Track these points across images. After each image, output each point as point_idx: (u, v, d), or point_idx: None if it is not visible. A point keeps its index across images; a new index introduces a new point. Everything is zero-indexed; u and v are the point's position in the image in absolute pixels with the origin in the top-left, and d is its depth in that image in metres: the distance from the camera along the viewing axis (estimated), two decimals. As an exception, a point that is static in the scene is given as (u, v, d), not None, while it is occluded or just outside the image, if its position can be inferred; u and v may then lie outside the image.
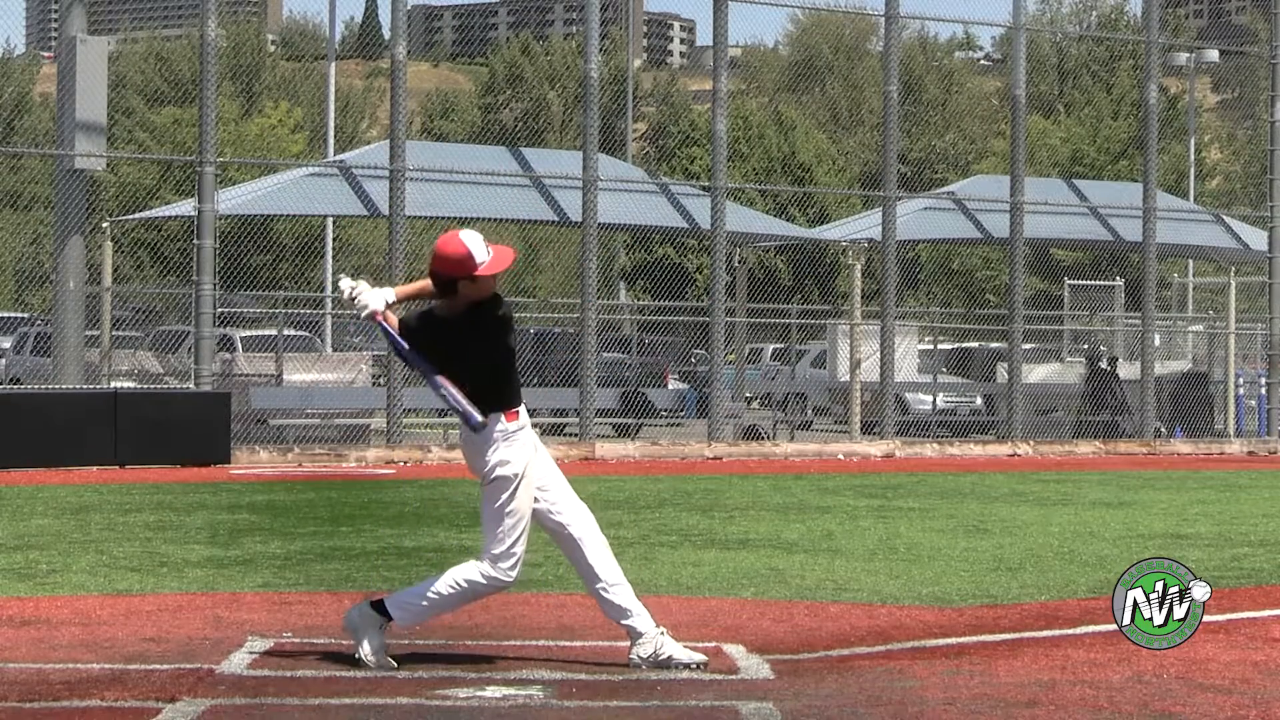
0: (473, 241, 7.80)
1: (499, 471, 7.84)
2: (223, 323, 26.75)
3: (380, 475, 22.00)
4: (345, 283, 7.95)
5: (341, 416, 27.28)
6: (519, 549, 7.89)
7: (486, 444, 7.84)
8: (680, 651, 7.89)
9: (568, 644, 8.42)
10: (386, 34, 41.40)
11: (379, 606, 7.91)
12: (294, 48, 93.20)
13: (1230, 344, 32.86)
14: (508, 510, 7.85)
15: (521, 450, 7.87)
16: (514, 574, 7.91)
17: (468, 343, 7.82)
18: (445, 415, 29.63)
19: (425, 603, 7.95)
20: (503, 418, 7.85)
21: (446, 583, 7.92)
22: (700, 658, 7.91)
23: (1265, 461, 28.76)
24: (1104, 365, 32.34)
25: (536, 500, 7.92)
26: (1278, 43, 32.26)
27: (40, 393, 23.83)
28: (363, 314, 7.87)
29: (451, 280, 7.78)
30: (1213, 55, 50.64)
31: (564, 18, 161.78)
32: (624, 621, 7.92)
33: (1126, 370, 32.43)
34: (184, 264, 33.31)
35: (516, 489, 7.84)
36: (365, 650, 7.83)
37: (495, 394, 7.85)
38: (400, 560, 12.19)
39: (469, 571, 7.92)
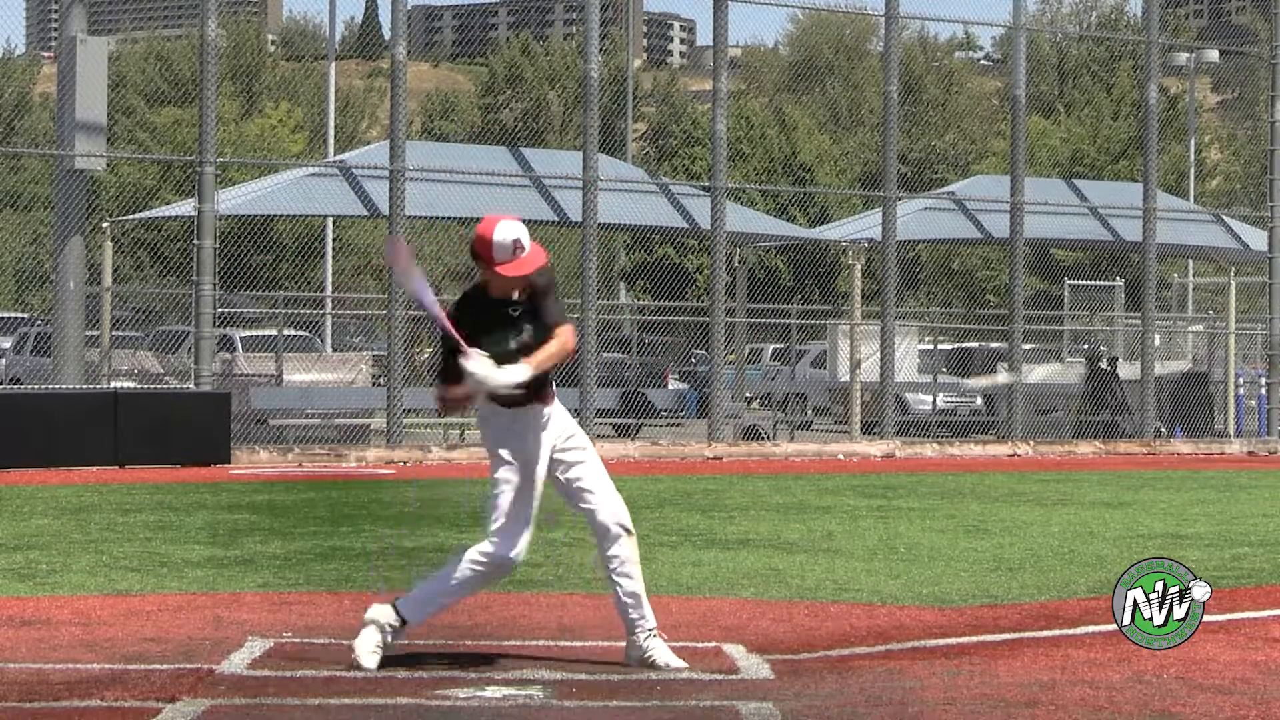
0: (504, 235, 7.58)
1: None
2: (223, 323, 26.74)
3: (380, 475, 22.00)
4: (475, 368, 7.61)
5: (341, 416, 27.28)
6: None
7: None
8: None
9: (568, 644, 8.41)
10: (386, 34, 41.39)
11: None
12: (294, 48, 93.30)
13: (1230, 344, 32.84)
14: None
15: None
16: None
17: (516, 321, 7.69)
18: (444, 416, 29.66)
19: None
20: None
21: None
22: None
23: (1265, 461, 28.75)
24: (1104, 365, 32.33)
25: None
26: (1278, 43, 32.23)
27: (40, 393, 23.82)
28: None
29: (477, 257, 7.69)
30: (1213, 55, 50.58)
31: (564, 18, 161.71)
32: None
33: (1126, 370, 32.41)
34: (184, 264, 33.29)
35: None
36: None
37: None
38: (400, 560, 12.19)
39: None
